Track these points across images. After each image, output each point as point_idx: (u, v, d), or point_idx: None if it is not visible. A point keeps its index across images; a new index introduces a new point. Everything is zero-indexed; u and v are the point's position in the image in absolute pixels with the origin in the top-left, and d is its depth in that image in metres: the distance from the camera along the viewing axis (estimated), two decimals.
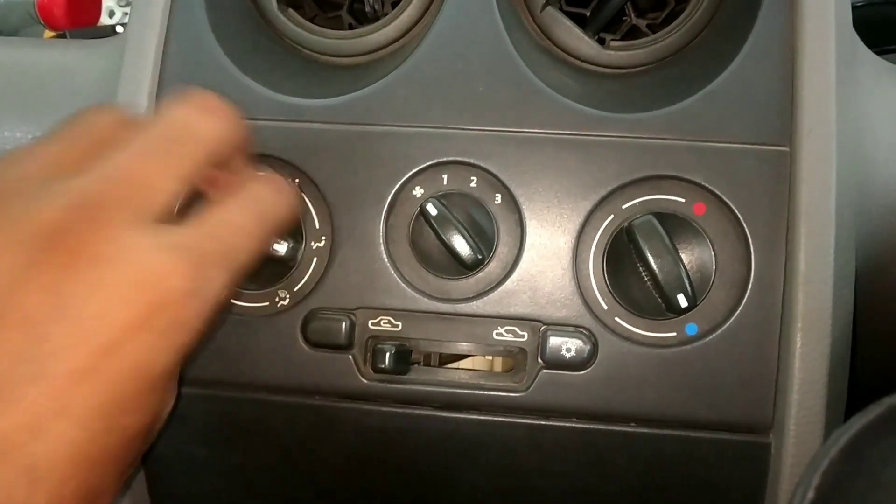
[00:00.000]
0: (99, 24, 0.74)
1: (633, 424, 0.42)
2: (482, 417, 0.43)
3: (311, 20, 0.52)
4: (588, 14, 0.50)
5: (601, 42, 0.48)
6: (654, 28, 0.50)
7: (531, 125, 0.43)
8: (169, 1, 0.47)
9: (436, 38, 0.44)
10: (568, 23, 0.47)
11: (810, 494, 0.25)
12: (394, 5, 0.49)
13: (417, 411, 0.43)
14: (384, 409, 0.44)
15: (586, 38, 0.47)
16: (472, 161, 0.43)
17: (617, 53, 0.47)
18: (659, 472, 0.43)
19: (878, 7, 0.72)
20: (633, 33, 0.51)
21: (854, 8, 0.73)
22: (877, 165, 0.44)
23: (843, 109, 0.42)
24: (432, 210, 0.42)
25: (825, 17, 0.43)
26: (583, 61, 0.47)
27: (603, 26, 0.48)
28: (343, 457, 0.44)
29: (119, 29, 0.66)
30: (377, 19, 0.49)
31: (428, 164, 0.43)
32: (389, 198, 0.43)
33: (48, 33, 0.71)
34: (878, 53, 0.71)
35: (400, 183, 0.43)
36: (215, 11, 0.47)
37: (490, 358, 0.45)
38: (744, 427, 0.42)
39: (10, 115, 0.51)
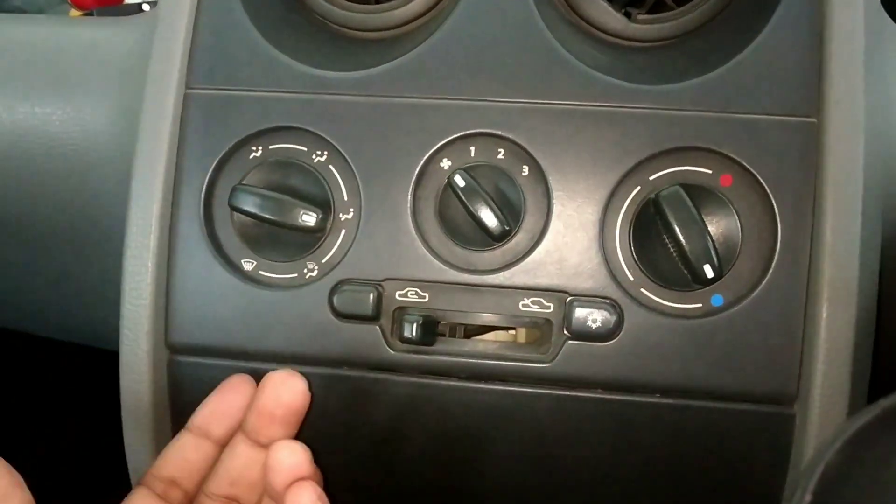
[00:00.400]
0: (124, 2, 0.74)
1: (658, 395, 0.43)
2: (508, 388, 0.44)
3: None
4: None
5: (627, 16, 0.48)
6: (679, 2, 0.50)
7: (559, 97, 0.43)
8: None
9: (464, 11, 0.44)
10: None
11: (807, 497, 0.25)
12: None
13: (444, 382, 0.44)
14: (411, 379, 0.44)
15: (613, 11, 0.47)
16: (499, 133, 0.43)
17: (644, 27, 0.47)
18: (684, 442, 0.43)
19: None
20: (658, 7, 0.51)
21: None
22: None
23: (871, 81, 0.42)
24: (460, 182, 0.42)
25: None
26: (610, 35, 0.47)
27: (629, 0, 0.48)
28: (371, 426, 0.45)
29: (145, 7, 0.66)
30: None
31: (455, 136, 0.43)
32: (417, 170, 0.43)
33: (74, 12, 0.71)
34: None
35: (428, 155, 0.43)
36: None
37: (513, 332, 0.45)
38: (769, 398, 0.42)
39: (44, 92, 0.51)
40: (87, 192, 0.52)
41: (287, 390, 0.41)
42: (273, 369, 0.44)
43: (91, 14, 0.66)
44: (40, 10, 0.72)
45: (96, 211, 0.52)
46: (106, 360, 0.50)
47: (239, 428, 0.42)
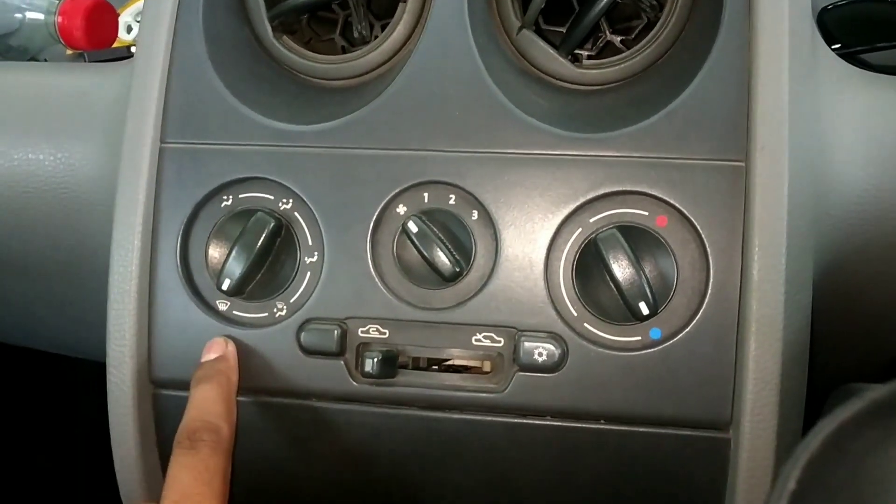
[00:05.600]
0: (118, 38, 0.78)
1: (602, 422, 0.46)
2: (464, 416, 0.47)
3: (307, 43, 0.56)
4: (564, 31, 0.53)
5: (576, 59, 0.51)
6: (627, 44, 0.52)
7: (504, 146, 0.46)
8: (171, 35, 0.50)
9: (415, 65, 0.47)
10: (542, 44, 0.50)
11: (791, 485, 0.26)
12: (383, 28, 0.52)
13: (404, 411, 0.47)
14: (374, 409, 0.47)
15: (560, 58, 0.50)
16: (449, 181, 0.46)
17: (589, 72, 0.50)
18: (628, 466, 0.46)
19: (869, 4, 0.73)
20: (608, 47, 0.53)
21: (843, 5, 0.74)
22: (836, 173, 0.47)
23: (800, 122, 0.45)
24: (413, 227, 0.45)
25: (779, 35, 0.45)
26: (557, 80, 0.50)
27: (577, 45, 0.50)
28: (338, 453, 0.48)
29: (134, 49, 0.70)
30: (366, 43, 0.52)
31: (409, 184, 0.46)
32: (375, 216, 0.47)
33: (69, 52, 0.75)
34: (868, 51, 0.73)
35: (384, 202, 0.47)
36: (214, 43, 0.50)
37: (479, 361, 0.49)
38: (705, 424, 0.45)
39: (37, 139, 0.55)
40: (79, 230, 0.56)
41: None
42: (247, 402, 0.48)
43: (83, 55, 0.70)
44: (38, 48, 0.76)
45: (90, 246, 0.56)
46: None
47: None
